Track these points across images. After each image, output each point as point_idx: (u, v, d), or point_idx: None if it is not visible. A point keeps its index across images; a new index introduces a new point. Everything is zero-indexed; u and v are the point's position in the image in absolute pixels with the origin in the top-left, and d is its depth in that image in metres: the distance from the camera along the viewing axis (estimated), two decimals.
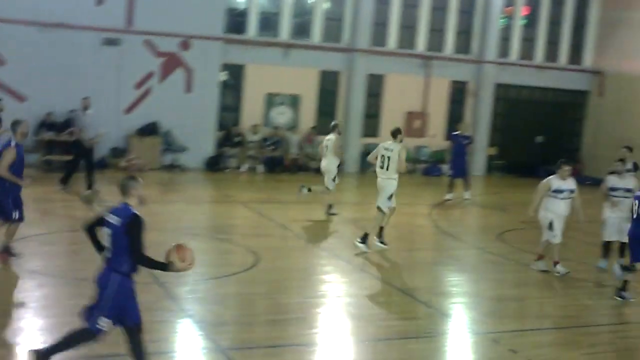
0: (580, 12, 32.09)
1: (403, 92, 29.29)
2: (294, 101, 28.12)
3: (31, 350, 8.60)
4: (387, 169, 16.52)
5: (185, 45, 26.10)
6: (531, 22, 31.58)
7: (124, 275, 8.40)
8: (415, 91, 29.58)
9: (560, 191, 15.20)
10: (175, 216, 19.14)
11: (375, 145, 28.21)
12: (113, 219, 8.38)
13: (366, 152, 28.60)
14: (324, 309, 12.70)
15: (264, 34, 27.74)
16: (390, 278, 14.62)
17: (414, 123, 29.47)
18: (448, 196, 23.70)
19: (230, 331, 11.21)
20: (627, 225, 14.79)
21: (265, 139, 27.36)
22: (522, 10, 31.30)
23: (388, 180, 16.58)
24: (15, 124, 13.32)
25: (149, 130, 25.88)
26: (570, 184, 15.35)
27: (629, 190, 15.72)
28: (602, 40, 31.85)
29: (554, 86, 31.90)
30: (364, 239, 16.37)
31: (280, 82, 27.77)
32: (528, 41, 31.60)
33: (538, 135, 31.65)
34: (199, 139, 26.37)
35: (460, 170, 23.89)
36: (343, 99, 28.65)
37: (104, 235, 8.48)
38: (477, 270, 16.51)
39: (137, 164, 24.43)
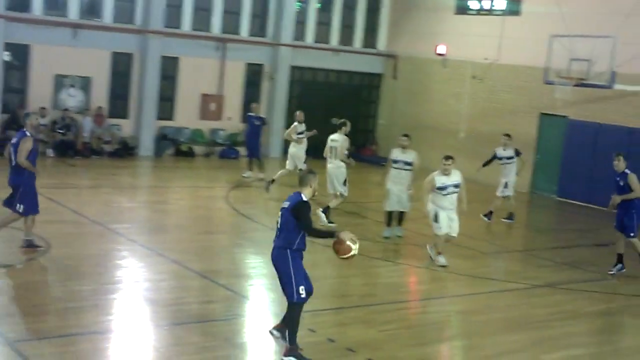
0: None
1: (198, 75, 28.88)
2: (84, 83, 27.08)
3: (284, 347, 9.95)
4: (334, 158, 18.66)
5: None
6: (326, 6, 31.90)
7: (294, 251, 9.82)
8: (210, 74, 29.23)
9: (444, 188, 15.36)
10: None
11: (170, 129, 28.21)
12: (284, 204, 9.95)
13: (161, 135, 28.19)
14: (120, 295, 12.30)
15: (51, 12, 26.49)
16: (188, 261, 14.33)
17: (210, 106, 29.16)
18: (245, 174, 24.17)
19: (18, 322, 10.64)
20: (404, 194, 17.30)
21: (54, 122, 26.23)
22: None
23: (338, 169, 18.67)
24: (26, 117, 14.53)
25: None
26: (454, 178, 15.47)
27: (408, 164, 17.25)
28: (395, 24, 32.65)
29: (349, 69, 32.43)
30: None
31: (69, 63, 26.62)
32: (323, 25, 31.90)
33: (334, 117, 32.03)
34: None
35: (254, 151, 24.32)
36: (137, 82, 27.90)
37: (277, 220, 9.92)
38: None
39: None
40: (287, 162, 22.47)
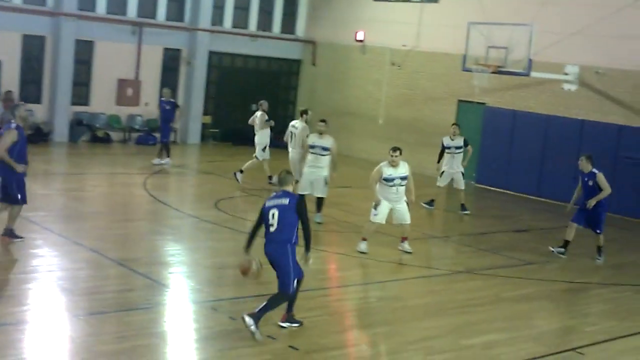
0: None
1: (114, 60, 28.32)
2: None
3: (246, 314, 10.14)
4: (295, 145, 19.07)
5: None
6: None
7: (293, 244, 10.34)
8: (127, 58, 28.70)
9: (390, 179, 15.24)
10: None
11: (86, 114, 27.64)
12: (282, 201, 10.31)
13: (76, 120, 27.57)
14: (35, 285, 11.95)
15: None
16: (105, 250, 14.02)
17: (126, 91, 28.65)
18: (163, 161, 23.88)
19: None
20: (320, 180, 17.53)
21: None
22: None
23: (300, 156, 18.76)
24: (14, 109, 13.87)
25: None
26: (401, 170, 15.35)
27: (325, 149, 17.55)
28: (314, 9, 32.56)
29: (267, 55, 32.23)
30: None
31: None
32: (241, 10, 31.60)
33: (252, 103, 31.82)
34: None
35: (162, 136, 24.14)
36: (50, 66, 27.21)
37: (269, 215, 10.29)
38: (195, 239, 16.36)
39: None
40: (256, 150, 22.11)
